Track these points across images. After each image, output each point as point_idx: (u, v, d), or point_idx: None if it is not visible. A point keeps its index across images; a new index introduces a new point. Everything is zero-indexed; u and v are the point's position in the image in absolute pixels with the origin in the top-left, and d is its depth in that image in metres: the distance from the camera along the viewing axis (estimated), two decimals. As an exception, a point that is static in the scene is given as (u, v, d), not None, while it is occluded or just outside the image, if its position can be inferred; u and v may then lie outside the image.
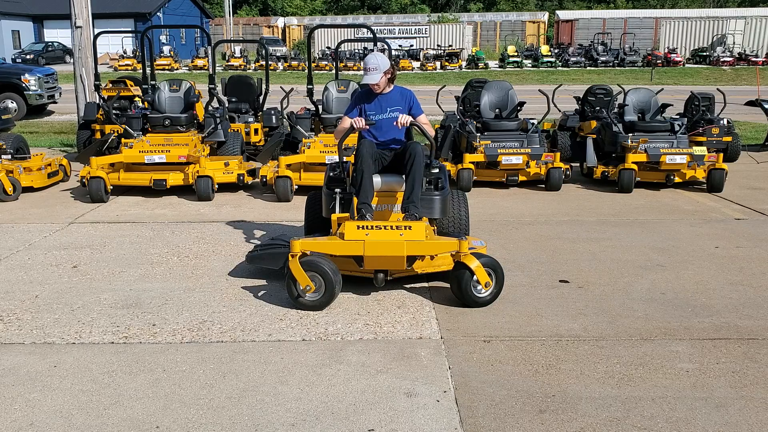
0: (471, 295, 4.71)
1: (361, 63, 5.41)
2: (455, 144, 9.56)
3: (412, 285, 5.19)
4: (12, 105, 17.48)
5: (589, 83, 16.53)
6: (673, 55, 38.38)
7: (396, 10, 69.54)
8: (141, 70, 12.49)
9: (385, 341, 4.22)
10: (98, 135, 10.87)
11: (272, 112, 11.31)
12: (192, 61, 38.33)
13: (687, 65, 38.48)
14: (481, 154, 8.79)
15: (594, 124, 10.33)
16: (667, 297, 4.98)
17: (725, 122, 10.50)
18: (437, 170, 5.33)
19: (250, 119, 11.04)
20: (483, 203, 8.11)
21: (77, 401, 3.48)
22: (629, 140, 8.80)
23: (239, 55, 39.22)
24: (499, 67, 38.42)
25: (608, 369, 3.83)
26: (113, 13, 43.45)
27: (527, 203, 8.20)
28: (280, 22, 59.05)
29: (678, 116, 10.12)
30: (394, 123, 5.23)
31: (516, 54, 39.16)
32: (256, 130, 10.87)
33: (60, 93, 19.29)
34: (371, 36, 9.94)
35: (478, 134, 9.01)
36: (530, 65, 39.04)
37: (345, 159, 5.45)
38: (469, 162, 8.77)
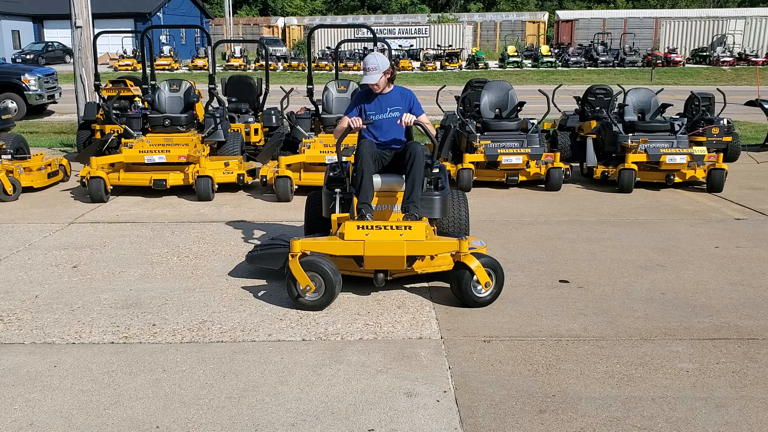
0: (471, 295, 4.71)
1: (361, 63, 5.40)
2: (455, 144, 9.56)
3: (412, 285, 5.19)
4: (12, 105, 17.48)
5: (589, 83, 16.53)
6: (673, 55, 38.38)
7: (396, 10, 69.54)
8: (141, 70, 12.49)
9: (385, 341, 4.22)
10: (98, 135, 10.87)
11: (272, 112, 11.31)
12: (192, 61, 38.33)
13: (687, 65, 38.48)
14: (481, 154, 8.79)
15: (594, 124, 10.33)
16: (667, 297, 4.98)
17: (725, 122, 10.50)
18: (437, 170, 5.33)
19: (250, 119, 11.04)
20: (483, 203, 8.11)
21: (77, 401, 3.48)
22: (629, 140, 8.80)
23: (239, 55, 39.22)
24: (499, 67, 38.42)
25: (608, 369, 3.83)
26: (113, 13, 43.45)
27: (527, 203, 8.20)
28: (280, 22, 59.05)
29: (678, 116, 10.12)
30: (398, 122, 5.23)
31: (516, 54, 39.16)
32: (256, 130, 10.87)
33: (60, 93, 19.29)
34: (371, 36, 9.94)
35: (478, 134, 9.01)
36: (530, 65, 39.04)
37: (345, 159, 5.45)
38: (469, 162, 8.77)
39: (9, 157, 8.91)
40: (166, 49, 39.33)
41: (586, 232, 6.86)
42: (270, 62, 15.26)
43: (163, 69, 34.73)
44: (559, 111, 11.86)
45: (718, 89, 11.43)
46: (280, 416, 3.34)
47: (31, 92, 17.87)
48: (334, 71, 11.37)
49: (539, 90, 10.43)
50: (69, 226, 7.11)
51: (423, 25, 52.25)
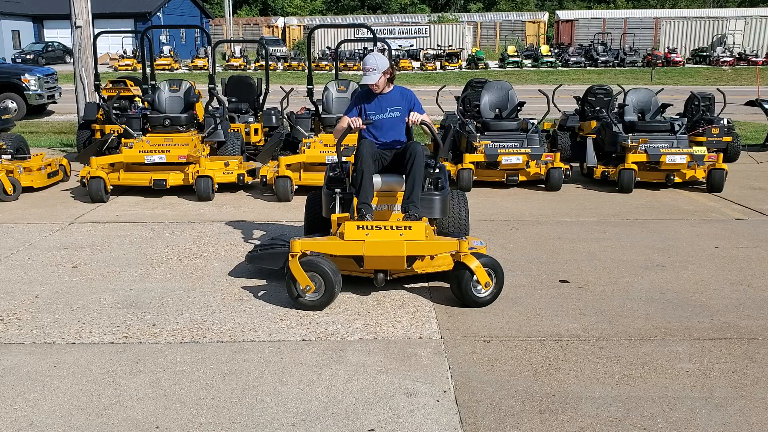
0: (471, 295, 4.71)
1: (361, 63, 5.40)
2: (455, 144, 9.56)
3: (412, 285, 5.19)
4: (12, 105, 17.48)
5: (589, 83, 16.53)
6: (673, 55, 38.38)
7: (396, 10, 69.53)
8: (141, 70, 12.49)
9: (385, 341, 4.22)
10: (98, 135, 10.87)
11: (272, 112, 11.31)
12: (192, 61, 38.33)
13: (687, 65, 38.48)
14: (481, 154, 8.79)
15: (594, 124, 10.33)
16: (667, 297, 4.98)
17: (725, 122, 10.50)
18: (437, 170, 5.33)
19: (250, 119, 11.04)
20: (483, 203, 8.11)
21: (77, 401, 3.48)
22: (629, 140, 8.80)
23: (239, 55, 39.22)
24: (499, 67, 38.42)
25: (608, 369, 3.83)
26: (113, 13, 43.45)
27: (527, 203, 8.20)
28: (280, 22, 59.05)
29: (678, 116, 10.12)
30: (405, 118, 5.23)
31: (516, 54, 39.15)
32: (256, 130, 10.87)
33: (60, 93, 19.29)
34: (371, 36, 9.94)
35: (478, 134, 9.01)
36: (530, 65, 39.03)
37: (345, 159, 5.45)
38: (469, 162, 8.77)
39: (9, 157, 8.91)
40: (166, 49, 39.33)
41: (586, 232, 6.86)
42: (270, 62, 15.26)
43: (163, 69, 34.73)
44: (559, 111, 11.86)
45: (718, 89, 11.43)
46: (280, 416, 3.34)
47: (31, 92, 17.88)
48: (334, 71, 11.37)
49: (539, 90, 10.43)
50: (69, 226, 7.11)
51: (423, 25, 52.25)
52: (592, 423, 3.28)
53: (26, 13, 48.11)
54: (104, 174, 8.16)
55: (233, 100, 11.42)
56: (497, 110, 9.44)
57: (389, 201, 5.28)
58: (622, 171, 8.68)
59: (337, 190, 5.25)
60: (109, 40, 41.09)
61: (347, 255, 4.81)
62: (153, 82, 11.32)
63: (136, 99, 11.37)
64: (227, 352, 4.05)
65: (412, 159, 5.05)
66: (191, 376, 3.74)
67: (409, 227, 4.72)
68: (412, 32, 49.80)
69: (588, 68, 36.38)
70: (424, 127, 5.30)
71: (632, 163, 8.67)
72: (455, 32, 48.88)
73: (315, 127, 9.76)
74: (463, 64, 39.39)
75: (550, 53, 39.64)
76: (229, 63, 37.84)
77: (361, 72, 5.45)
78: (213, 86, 9.46)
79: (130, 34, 39.69)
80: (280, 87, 12.72)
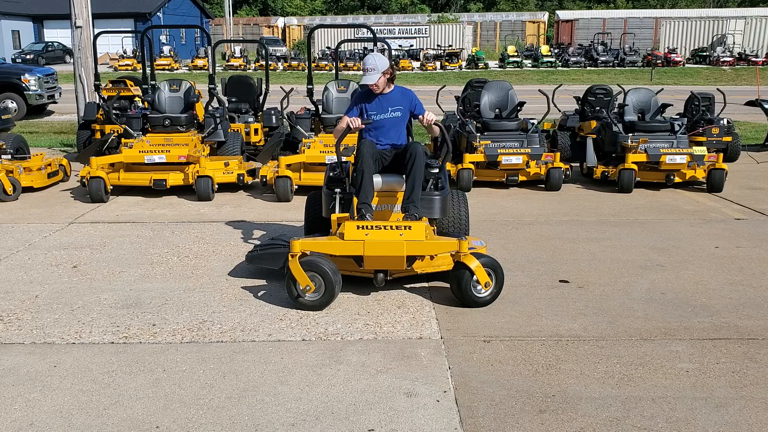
0: (471, 295, 4.71)
1: (361, 63, 5.40)
2: (455, 144, 9.56)
3: (412, 285, 5.19)
4: (12, 105, 17.48)
5: (589, 83, 16.53)
6: (673, 55, 38.38)
7: (396, 10, 69.52)
8: (141, 70, 12.49)
9: (385, 341, 4.22)
10: (98, 135, 10.87)
11: (272, 112, 11.31)
12: (192, 61, 38.32)
13: (687, 65, 38.48)
14: (481, 154, 8.79)
15: (594, 124, 10.33)
16: (667, 297, 4.98)
17: (725, 122, 10.50)
18: (437, 170, 5.33)
19: (250, 119, 11.04)
20: (483, 203, 8.11)
21: (77, 401, 3.48)
22: (629, 140, 8.80)
23: (239, 55, 39.22)
24: (499, 67, 38.41)
25: (608, 369, 3.83)
26: (113, 13, 43.45)
27: (527, 203, 8.20)
28: (280, 22, 59.04)
29: (678, 116, 10.12)
30: (420, 116, 5.25)
31: (516, 54, 39.15)
32: (256, 130, 10.87)
33: (60, 93, 19.29)
34: (371, 36, 9.94)
35: (478, 134, 9.01)
36: (530, 65, 39.03)
37: (345, 159, 5.45)
38: (469, 162, 8.77)
39: (9, 157, 8.91)
40: (166, 49, 39.33)
41: (586, 232, 6.86)
42: (270, 62, 15.25)
43: (163, 69, 34.73)
44: (559, 111, 11.86)
45: (718, 89, 11.43)
46: (280, 416, 3.34)
47: (31, 92, 17.88)
48: (334, 71, 11.37)
49: (539, 90, 10.43)
50: (69, 226, 7.11)
51: (423, 25, 52.25)
52: (592, 423, 3.28)
53: (26, 13, 48.11)
54: (104, 174, 8.16)
55: (233, 100, 11.42)
56: (497, 110, 9.44)
57: (389, 201, 5.28)
58: (622, 171, 8.68)
59: (337, 190, 5.25)
60: (109, 40, 41.07)
61: (347, 255, 4.81)
62: (153, 82, 11.32)
63: (136, 99, 11.37)
64: (227, 352, 4.05)
65: (413, 159, 5.05)
66: (191, 376, 3.74)
67: (409, 227, 4.72)
68: (412, 32, 49.81)
69: (588, 68, 36.38)
70: (436, 128, 5.30)
71: (632, 163, 8.67)
72: (455, 32, 48.88)
73: (315, 127, 9.76)
74: (463, 64, 39.39)
75: (550, 53, 39.64)
76: (229, 63, 37.84)
77: (360, 72, 5.45)
78: (213, 86, 9.46)
79: (130, 34, 39.69)
80: (280, 87, 12.72)
